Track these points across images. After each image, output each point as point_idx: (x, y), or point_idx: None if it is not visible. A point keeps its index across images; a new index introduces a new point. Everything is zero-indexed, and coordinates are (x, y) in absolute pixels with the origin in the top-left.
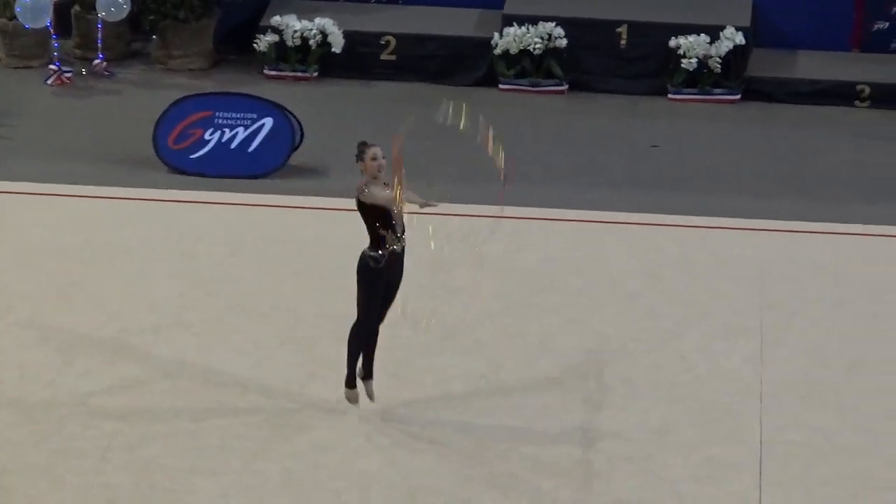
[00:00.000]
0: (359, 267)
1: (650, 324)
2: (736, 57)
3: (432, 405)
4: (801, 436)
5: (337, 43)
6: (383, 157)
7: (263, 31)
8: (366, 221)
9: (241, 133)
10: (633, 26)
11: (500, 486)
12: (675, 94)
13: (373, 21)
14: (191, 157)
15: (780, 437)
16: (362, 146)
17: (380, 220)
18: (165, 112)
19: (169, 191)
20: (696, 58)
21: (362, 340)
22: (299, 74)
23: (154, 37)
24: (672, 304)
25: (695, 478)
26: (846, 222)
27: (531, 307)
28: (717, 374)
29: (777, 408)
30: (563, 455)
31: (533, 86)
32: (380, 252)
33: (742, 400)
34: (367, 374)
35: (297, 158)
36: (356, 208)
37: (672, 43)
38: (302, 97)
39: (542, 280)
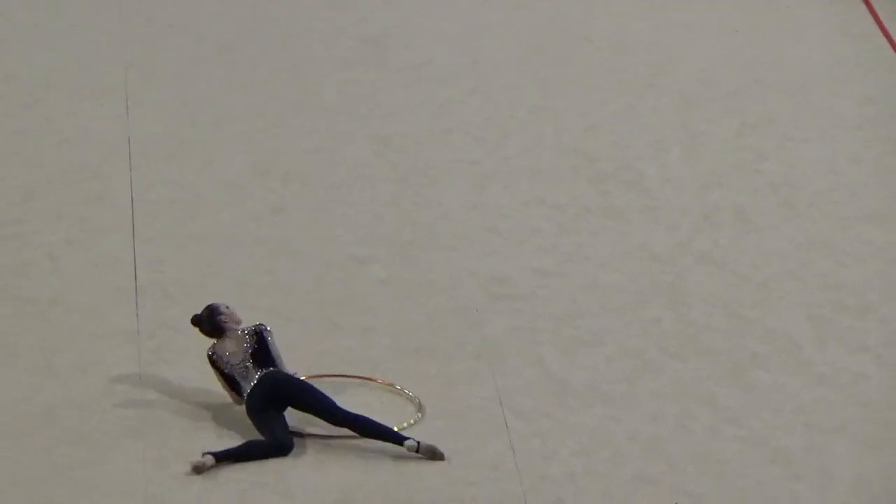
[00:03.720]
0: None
1: (10, 89)
2: None
3: None
4: (171, 194)
5: None
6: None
7: None
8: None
9: None
10: None
11: None
12: None
13: None
14: None
15: (150, 196)
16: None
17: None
18: None
19: None
20: None
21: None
22: None
23: None
24: (29, 68)
25: (67, 240)
26: None
27: None
28: (84, 135)
29: (145, 166)
30: None
31: None
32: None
33: (110, 160)
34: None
35: None
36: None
37: None
38: None
39: None
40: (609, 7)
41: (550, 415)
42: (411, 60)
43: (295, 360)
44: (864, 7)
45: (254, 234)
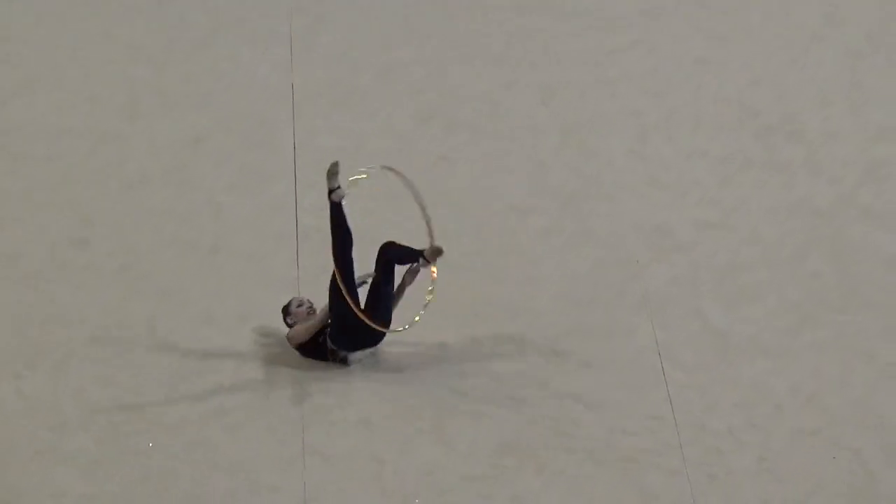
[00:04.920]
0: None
1: (178, 34)
2: None
3: None
4: (334, 141)
5: None
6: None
7: None
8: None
9: None
10: None
11: None
12: None
13: None
14: None
15: (313, 143)
16: (285, 309)
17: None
18: None
19: None
20: None
21: None
22: None
23: None
24: (199, 12)
25: (231, 186)
26: None
27: None
28: (248, 82)
29: (309, 113)
30: None
31: None
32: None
33: (274, 107)
34: None
35: None
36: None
37: None
38: None
39: None
40: None
41: (710, 367)
42: (578, 8)
43: (456, 308)
44: None
45: (417, 181)
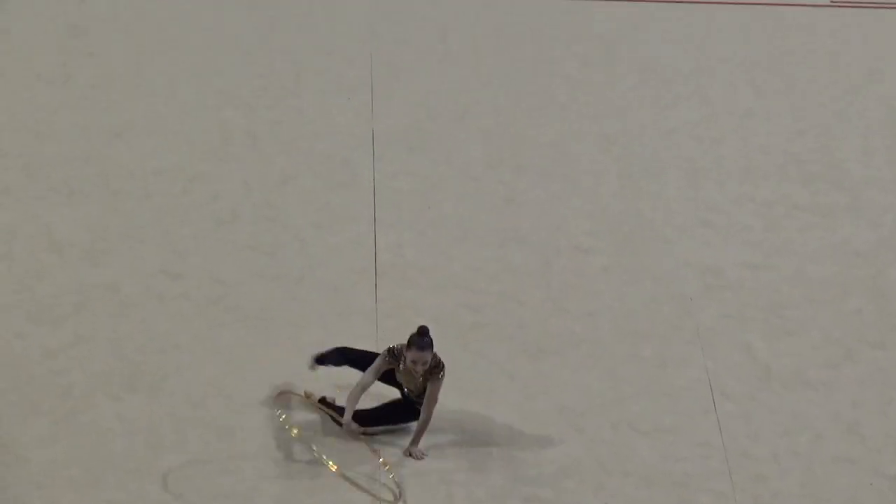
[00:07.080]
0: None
1: (267, 82)
2: None
3: None
4: (411, 183)
5: None
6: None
7: None
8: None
9: None
10: None
11: None
12: None
13: None
14: None
15: (391, 185)
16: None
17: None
18: None
19: None
20: None
21: None
22: None
23: None
24: (285, 63)
25: (315, 224)
26: None
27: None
28: (332, 127)
29: (388, 157)
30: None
31: None
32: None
33: (355, 151)
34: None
35: None
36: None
37: None
38: None
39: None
40: (831, 19)
41: (756, 398)
42: (637, 65)
43: (525, 340)
44: None
45: (487, 223)
